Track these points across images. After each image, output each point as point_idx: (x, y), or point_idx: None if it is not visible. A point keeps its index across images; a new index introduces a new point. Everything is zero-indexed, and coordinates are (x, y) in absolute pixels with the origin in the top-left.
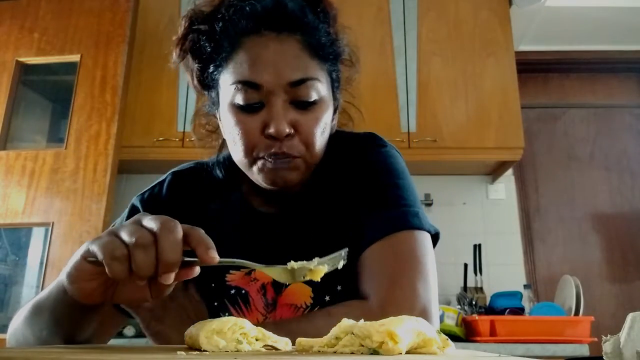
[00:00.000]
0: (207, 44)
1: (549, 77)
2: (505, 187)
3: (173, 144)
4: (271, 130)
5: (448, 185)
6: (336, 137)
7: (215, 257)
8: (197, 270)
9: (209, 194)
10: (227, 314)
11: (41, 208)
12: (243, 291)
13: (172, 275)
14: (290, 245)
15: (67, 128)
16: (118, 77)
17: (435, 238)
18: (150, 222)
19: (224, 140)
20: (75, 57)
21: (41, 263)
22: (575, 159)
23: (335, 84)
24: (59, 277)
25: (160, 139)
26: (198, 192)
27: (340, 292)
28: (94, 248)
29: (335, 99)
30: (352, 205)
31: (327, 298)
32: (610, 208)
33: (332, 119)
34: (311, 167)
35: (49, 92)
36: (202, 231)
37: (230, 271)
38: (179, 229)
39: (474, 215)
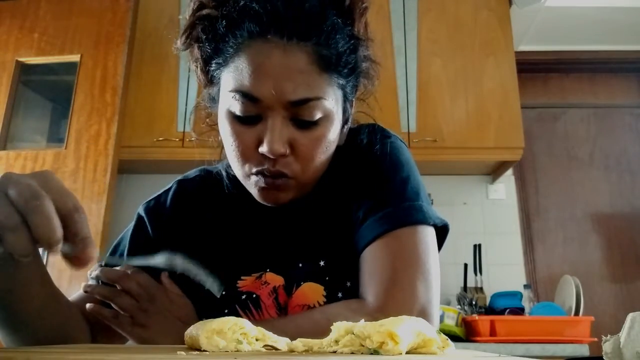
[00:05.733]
0: (210, 40)
1: (548, 77)
2: (505, 187)
3: (173, 144)
4: (264, 148)
5: (448, 185)
6: None
7: (94, 254)
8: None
9: (216, 203)
10: None
11: None
12: (254, 295)
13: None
14: (298, 243)
15: (67, 128)
16: (118, 77)
17: (443, 230)
18: (17, 196)
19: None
20: (75, 57)
21: None
22: (575, 159)
23: (348, 97)
24: None
25: (160, 139)
26: (204, 202)
27: (350, 288)
28: None
29: (345, 112)
30: (356, 200)
31: (340, 294)
32: (610, 208)
33: (342, 130)
34: (305, 186)
35: (49, 92)
36: (83, 218)
37: (242, 277)
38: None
39: (474, 215)
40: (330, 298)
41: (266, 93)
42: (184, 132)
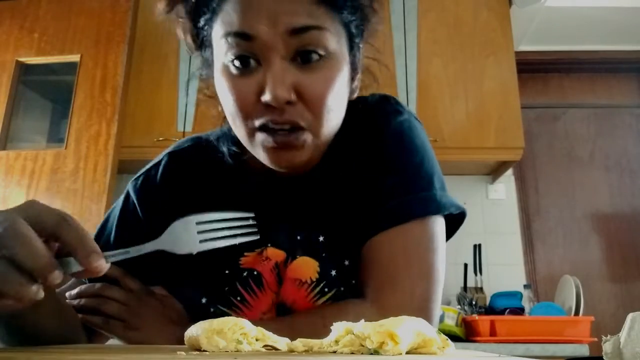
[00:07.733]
0: None
1: (548, 77)
2: (505, 187)
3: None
4: (267, 96)
5: (448, 186)
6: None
7: (102, 266)
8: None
9: (212, 174)
10: (238, 298)
11: None
12: (255, 272)
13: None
14: (299, 215)
15: (67, 128)
16: (118, 77)
17: (459, 216)
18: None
19: None
20: (75, 57)
21: None
22: (575, 159)
23: (355, 38)
24: None
25: (160, 139)
26: (198, 174)
27: (348, 267)
28: None
29: (354, 56)
30: (364, 183)
31: (333, 272)
32: (610, 208)
33: (353, 81)
34: (322, 143)
35: (49, 92)
36: (79, 229)
37: (245, 253)
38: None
39: (474, 215)
40: (323, 275)
41: (261, 27)
42: (184, 132)
